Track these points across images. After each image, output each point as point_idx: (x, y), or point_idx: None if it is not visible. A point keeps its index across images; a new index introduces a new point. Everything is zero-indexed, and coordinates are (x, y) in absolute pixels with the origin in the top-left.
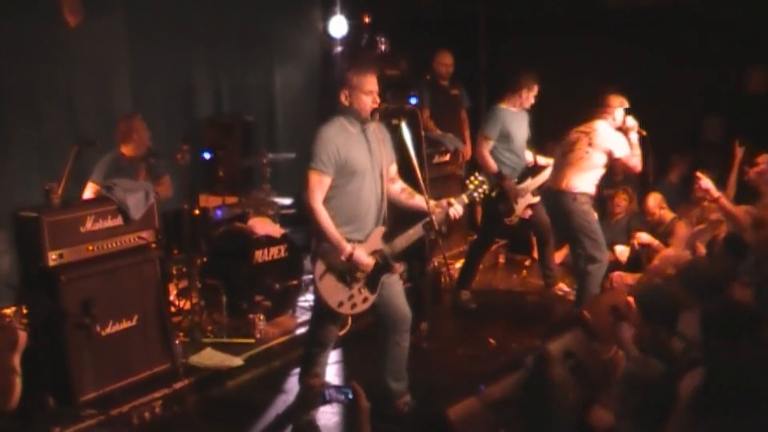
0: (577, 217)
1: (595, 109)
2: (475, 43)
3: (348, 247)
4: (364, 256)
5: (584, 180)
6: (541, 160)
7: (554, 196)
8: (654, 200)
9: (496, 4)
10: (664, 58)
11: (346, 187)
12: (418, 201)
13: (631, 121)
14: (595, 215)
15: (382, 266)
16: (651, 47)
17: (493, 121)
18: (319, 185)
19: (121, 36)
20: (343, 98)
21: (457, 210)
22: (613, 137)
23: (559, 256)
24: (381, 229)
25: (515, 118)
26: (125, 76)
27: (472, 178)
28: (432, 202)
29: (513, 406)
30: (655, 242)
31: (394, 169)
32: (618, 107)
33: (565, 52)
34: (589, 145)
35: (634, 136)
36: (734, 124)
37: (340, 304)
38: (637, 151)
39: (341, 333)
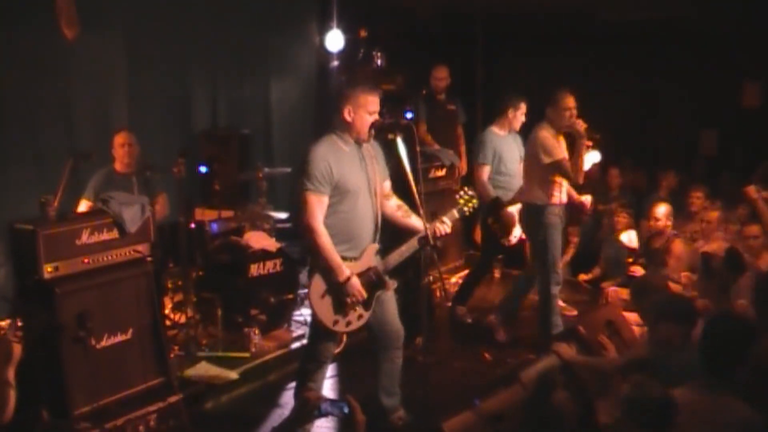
0: None
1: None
2: (472, 58)
3: (347, 272)
4: (358, 286)
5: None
6: None
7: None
8: (664, 209)
9: (492, 20)
10: (659, 72)
11: (340, 205)
12: (414, 221)
13: (581, 125)
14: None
15: (376, 283)
16: (647, 62)
17: (485, 147)
18: (319, 205)
19: (119, 50)
20: (346, 114)
21: (445, 228)
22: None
23: None
24: (375, 246)
25: (504, 141)
26: (122, 90)
27: (462, 193)
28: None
29: (509, 422)
30: None
31: (388, 185)
32: (553, 109)
33: (560, 67)
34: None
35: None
36: (730, 136)
37: (335, 322)
38: (583, 163)
39: (337, 351)
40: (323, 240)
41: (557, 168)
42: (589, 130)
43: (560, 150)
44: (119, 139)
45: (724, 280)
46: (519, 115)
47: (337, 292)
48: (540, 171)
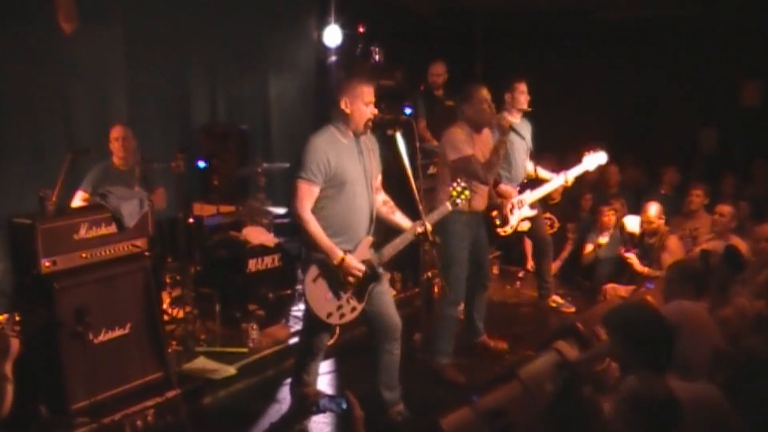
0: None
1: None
2: (471, 54)
3: (340, 254)
4: (354, 261)
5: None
6: (542, 172)
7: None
8: (655, 209)
9: (492, 16)
10: (660, 70)
11: (337, 197)
12: (398, 219)
13: (505, 120)
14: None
15: (370, 275)
16: (647, 59)
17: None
18: (308, 195)
19: (118, 45)
20: (343, 105)
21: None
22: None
23: (553, 267)
24: (369, 239)
25: (516, 126)
26: (122, 85)
27: (455, 184)
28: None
29: (508, 418)
30: (645, 270)
31: (379, 179)
32: (469, 104)
33: (561, 63)
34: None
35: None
36: (729, 135)
37: (329, 314)
38: (499, 161)
39: (330, 342)
40: (312, 226)
41: (464, 164)
42: (513, 127)
43: (470, 147)
44: (114, 133)
45: (723, 277)
46: (518, 96)
47: (332, 284)
48: (448, 171)
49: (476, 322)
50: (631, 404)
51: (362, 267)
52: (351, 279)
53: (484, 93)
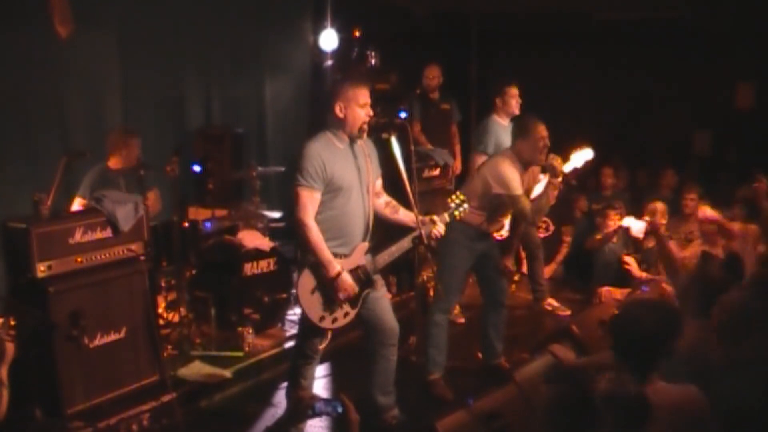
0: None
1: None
2: (466, 57)
3: (337, 268)
4: (349, 280)
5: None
6: None
7: None
8: (660, 209)
9: (487, 19)
10: (654, 72)
11: (332, 202)
12: (402, 216)
13: (557, 161)
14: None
15: (364, 282)
16: (641, 61)
17: (486, 136)
18: (311, 201)
19: (113, 47)
20: (338, 110)
21: (439, 229)
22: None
23: (548, 270)
24: (365, 245)
25: (506, 130)
26: (116, 88)
27: (454, 196)
28: (419, 217)
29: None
30: (643, 275)
31: (379, 183)
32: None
33: (555, 66)
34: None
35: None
36: (724, 137)
37: (322, 318)
38: (549, 203)
39: (322, 346)
40: (314, 235)
41: (512, 202)
42: (565, 175)
43: (519, 185)
44: (127, 139)
45: (723, 284)
46: (508, 100)
47: (326, 288)
48: (480, 196)
49: (493, 342)
50: (603, 401)
51: (356, 288)
52: (341, 295)
53: (543, 131)
